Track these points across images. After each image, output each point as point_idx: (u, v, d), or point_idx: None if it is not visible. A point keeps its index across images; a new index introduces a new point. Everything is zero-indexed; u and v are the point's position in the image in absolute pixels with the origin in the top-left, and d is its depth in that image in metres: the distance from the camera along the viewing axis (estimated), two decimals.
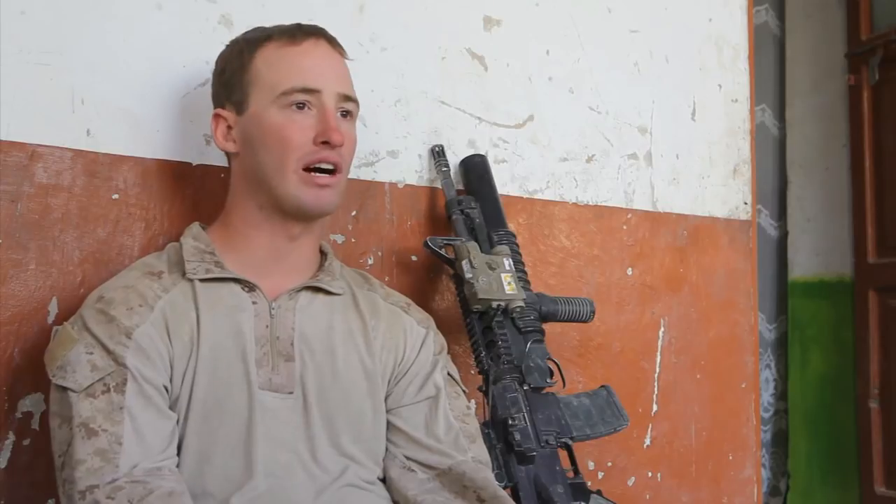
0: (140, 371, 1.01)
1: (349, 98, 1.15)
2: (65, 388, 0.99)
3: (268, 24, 1.18)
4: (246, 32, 1.18)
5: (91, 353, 1.01)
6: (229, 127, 1.15)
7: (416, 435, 1.15)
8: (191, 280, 1.09)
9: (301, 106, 1.10)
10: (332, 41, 1.16)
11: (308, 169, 1.10)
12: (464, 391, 1.25)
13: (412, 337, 1.21)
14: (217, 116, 1.16)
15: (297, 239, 1.15)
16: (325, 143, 1.09)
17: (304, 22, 1.16)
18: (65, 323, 1.06)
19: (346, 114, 1.15)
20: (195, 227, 1.17)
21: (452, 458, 1.14)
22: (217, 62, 1.19)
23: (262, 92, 1.11)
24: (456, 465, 1.13)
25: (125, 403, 0.99)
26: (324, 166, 1.11)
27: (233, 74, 1.14)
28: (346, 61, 1.18)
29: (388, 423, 1.17)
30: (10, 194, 1.17)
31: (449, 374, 1.23)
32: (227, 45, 1.19)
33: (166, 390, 1.04)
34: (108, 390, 0.99)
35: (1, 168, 1.17)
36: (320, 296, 1.16)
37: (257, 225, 1.14)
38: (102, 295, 1.07)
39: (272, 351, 1.09)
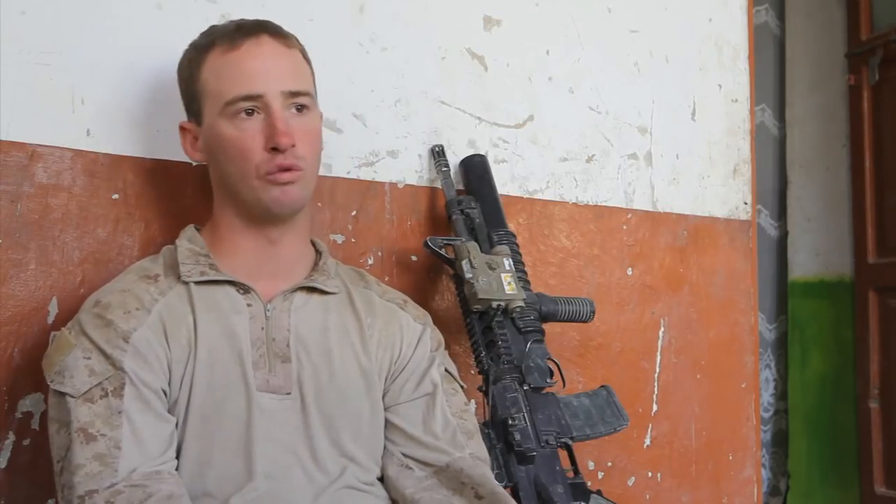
0: (138, 375, 1.01)
1: (298, 93, 1.11)
2: (63, 394, 0.99)
3: None
4: (198, 36, 1.16)
5: (89, 358, 1.01)
6: (195, 138, 1.15)
7: (414, 432, 1.15)
8: (186, 283, 1.09)
9: (250, 112, 1.08)
10: (275, 35, 1.12)
11: (269, 174, 1.08)
12: (462, 387, 1.24)
13: (408, 334, 1.21)
14: (182, 129, 1.16)
15: (278, 242, 1.14)
16: (275, 149, 1.07)
17: (251, 18, 1.14)
18: (62, 328, 1.06)
19: (301, 107, 1.12)
20: (190, 229, 1.17)
21: (450, 454, 1.13)
22: (177, 72, 1.18)
23: (211, 103, 1.10)
24: (453, 462, 1.13)
25: (123, 407, 0.98)
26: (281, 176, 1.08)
27: (187, 86, 1.14)
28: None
29: (386, 421, 1.17)
30: (10, 194, 1.17)
31: (446, 370, 1.23)
32: (183, 53, 1.17)
33: (164, 394, 1.04)
34: (107, 395, 0.99)
35: (1, 168, 1.17)
36: (315, 295, 1.15)
37: (240, 230, 1.14)
38: (99, 299, 1.06)
39: (268, 352, 1.09)
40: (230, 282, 1.11)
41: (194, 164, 1.31)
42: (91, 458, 0.95)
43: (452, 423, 1.16)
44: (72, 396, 0.98)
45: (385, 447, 1.16)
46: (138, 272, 1.11)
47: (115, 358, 1.00)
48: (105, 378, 0.99)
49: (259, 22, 1.13)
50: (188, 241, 1.14)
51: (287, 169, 1.08)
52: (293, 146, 1.08)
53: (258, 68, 1.09)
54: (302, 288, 1.14)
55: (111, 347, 1.01)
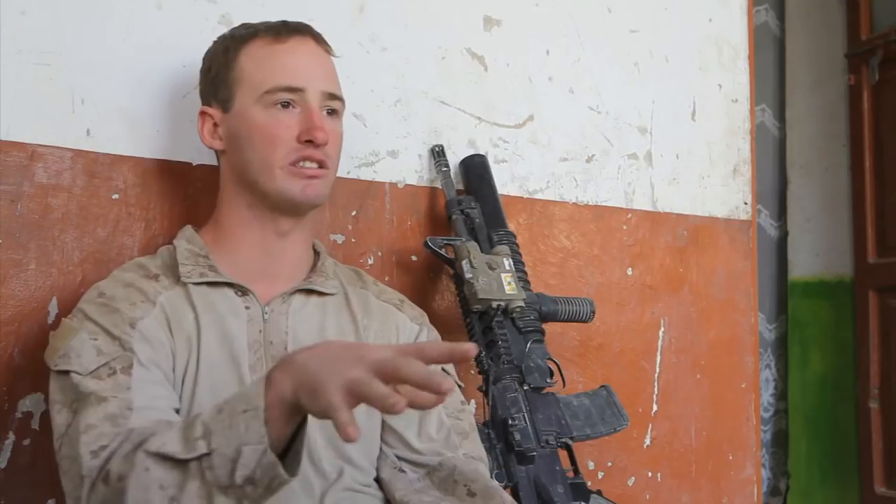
0: (146, 355, 1.00)
1: (334, 96, 1.14)
2: (68, 372, 0.97)
3: None
4: (233, 29, 1.18)
5: (95, 339, 1.00)
6: (215, 125, 1.15)
7: (408, 435, 1.15)
8: (185, 284, 1.09)
9: (286, 104, 1.10)
10: (318, 39, 1.15)
11: (294, 164, 1.10)
12: (460, 386, 1.24)
13: (404, 334, 1.21)
14: (203, 114, 1.16)
15: (287, 236, 1.14)
16: (309, 141, 1.09)
17: (294, 20, 1.16)
18: (63, 319, 1.06)
19: (332, 112, 1.15)
20: (188, 229, 1.17)
21: (442, 455, 1.13)
22: (204, 59, 1.19)
23: (247, 90, 1.11)
24: (446, 461, 1.12)
25: (132, 383, 0.97)
26: (308, 164, 1.11)
27: (218, 72, 1.14)
28: (337, 59, 1.17)
29: (382, 423, 1.16)
30: (10, 194, 1.17)
31: (443, 368, 1.22)
32: (214, 42, 1.18)
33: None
34: (115, 373, 0.97)
35: (1, 168, 1.17)
36: (313, 297, 1.15)
37: (247, 223, 1.14)
38: (103, 291, 1.06)
39: (266, 356, 1.09)
40: (229, 284, 1.10)
41: (194, 164, 1.31)
42: (103, 418, 0.93)
43: (447, 424, 1.16)
44: (78, 374, 0.97)
45: (381, 449, 1.16)
46: (137, 270, 1.11)
47: (123, 339, 1.00)
48: (113, 358, 0.98)
49: (304, 24, 1.16)
50: (187, 242, 1.14)
51: (317, 161, 1.10)
52: (326, 143, 1.10)
53: (302, 64, 1.12)
54: (300, 290, 1.14)
55: (118, 331, 1.00)
